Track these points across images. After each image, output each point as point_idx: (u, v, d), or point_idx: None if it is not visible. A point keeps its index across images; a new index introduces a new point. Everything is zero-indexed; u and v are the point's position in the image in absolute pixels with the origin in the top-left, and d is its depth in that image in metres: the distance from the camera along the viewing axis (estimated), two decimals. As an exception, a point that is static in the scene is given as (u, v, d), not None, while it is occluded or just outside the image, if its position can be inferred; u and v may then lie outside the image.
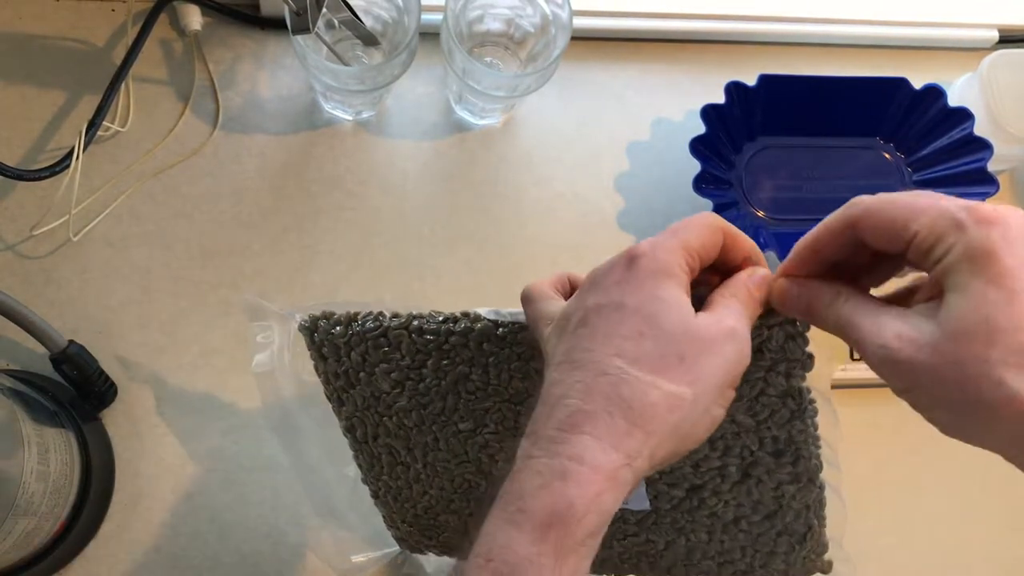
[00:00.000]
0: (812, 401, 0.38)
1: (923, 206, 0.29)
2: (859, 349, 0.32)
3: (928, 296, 0.30)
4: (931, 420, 0.31)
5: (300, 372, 0.47)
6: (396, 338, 0.42)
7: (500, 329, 0.41)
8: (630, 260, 0.33)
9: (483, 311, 0.41)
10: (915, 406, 0.31)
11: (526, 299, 0.38)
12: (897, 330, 0.30)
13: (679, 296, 0.33)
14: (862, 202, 0.32)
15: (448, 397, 0.43)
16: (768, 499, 0.42)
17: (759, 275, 0.35)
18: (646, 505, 0.44)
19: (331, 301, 0.45)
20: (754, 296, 0.35)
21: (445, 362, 0.42)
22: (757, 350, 0.36)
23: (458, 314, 0.42)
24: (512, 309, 0.41)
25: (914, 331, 0.29)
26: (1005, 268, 0.27)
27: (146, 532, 0.55)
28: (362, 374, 0.44)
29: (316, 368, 0.45)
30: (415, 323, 0.42)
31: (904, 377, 0.30)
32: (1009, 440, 0.29)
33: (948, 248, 0.28)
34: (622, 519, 0.46)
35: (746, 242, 0.36)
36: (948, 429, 0.31)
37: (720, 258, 0.35)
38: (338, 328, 0.43)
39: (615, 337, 0.32)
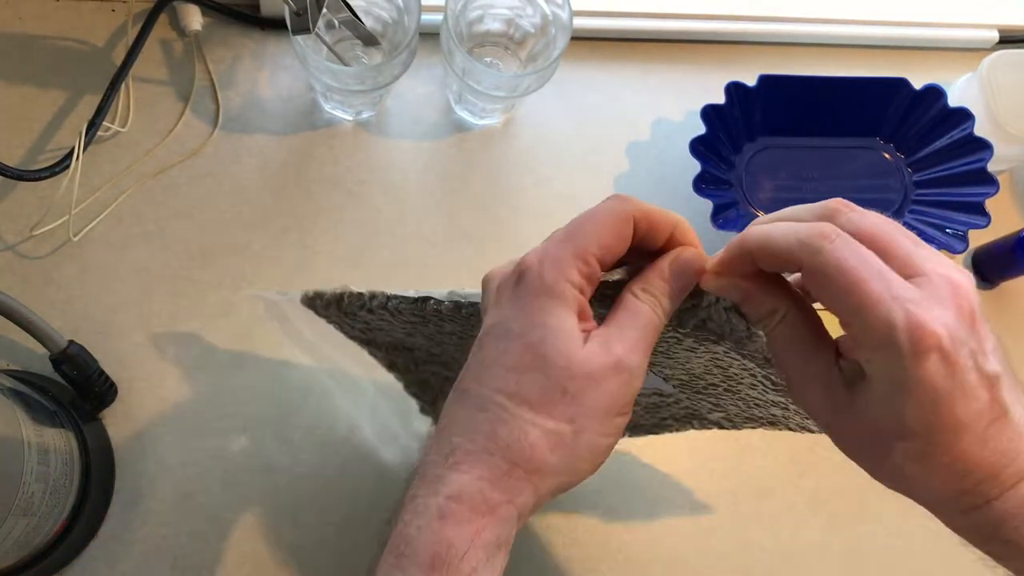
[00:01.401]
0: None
1: (870, 299, 0.28)
2: (782, 380, 0.34)
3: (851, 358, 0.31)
4: None
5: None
6: (381, 316, 0.43)
7: (463, 310, 0.40)
8: (518, 277, 0.32)
9: (440, 294, 0.41)
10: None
11: (482, 286, 0.36)
12: (820, 394, 0.31)
13: (564, 322, 0.31)
14: (815, 251, 0.29)
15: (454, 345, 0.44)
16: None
17: (682, 259, 0.33)
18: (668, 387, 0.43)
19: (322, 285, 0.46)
20: (673, 285, 0.33)
21: (433, 327, 0.43)
22: (702, 327, 0.34)
23: (419, 295, 0.41)
24: (470, 290, 0.40)
25: (835, 399, 0.31)
26: (928, 387, 0.28)
27: (146, 532, 0.55)
28: (373, 332, 0.45)
29: (337, 328, 0.46)
30: (390, 303, 0.42)
31: (818, 423, 0.33)
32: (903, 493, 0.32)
33: (879, 356, 0.29)
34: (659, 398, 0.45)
35: (666, 221, 0.33)
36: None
37: (640, 242, 0.33)
38: (331, 308, 0.44)
39: (498, 367, 0.31)
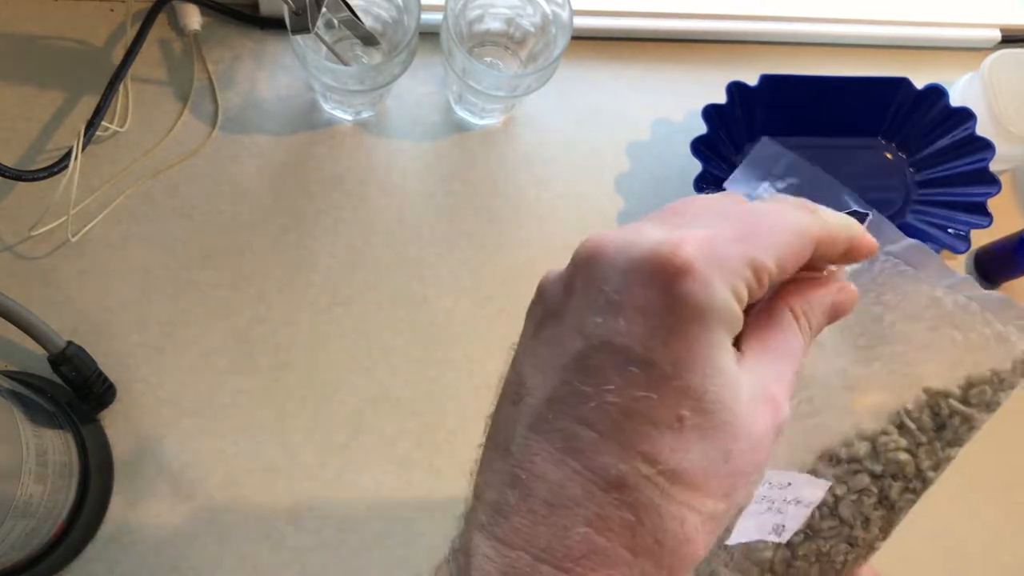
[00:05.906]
0: None
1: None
2: None
3: None
4: None
5: None
6: None
7: None
8: (672, 275, 0.22)
9: None
10: None
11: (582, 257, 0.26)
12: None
13: (727, 357, 0.23)
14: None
15: None
16: None
17: (851, 301, 0.28)
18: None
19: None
20: (829, 320, 0.27)
21: None
22: None
23: None
24: None
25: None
26: None
27: (145, 533, 0.54)
28: None
29: None
30: None
31: None
32: None
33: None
34: None
35: (845, 235, 0.26)
36: None
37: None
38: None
39: (643, 422, 0.22)
